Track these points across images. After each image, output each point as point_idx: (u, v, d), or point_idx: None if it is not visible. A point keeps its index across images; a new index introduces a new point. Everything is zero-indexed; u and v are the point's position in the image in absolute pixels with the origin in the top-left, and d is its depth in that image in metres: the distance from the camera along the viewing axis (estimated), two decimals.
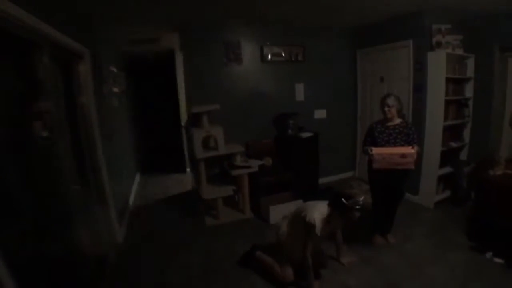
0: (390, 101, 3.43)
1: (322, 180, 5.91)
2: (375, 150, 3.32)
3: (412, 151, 3.25)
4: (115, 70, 5.04)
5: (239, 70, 5.01)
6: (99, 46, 4.09)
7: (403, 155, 3.24)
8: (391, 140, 3.46)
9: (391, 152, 3.29)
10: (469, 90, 4.93)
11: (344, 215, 2.83)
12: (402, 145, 3.41)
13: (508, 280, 3.04)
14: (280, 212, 4.44)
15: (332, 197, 2.94)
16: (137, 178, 6.69)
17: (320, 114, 5.84)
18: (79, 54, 3.26)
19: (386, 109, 3.46)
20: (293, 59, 5.32)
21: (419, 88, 4.68)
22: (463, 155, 5.10)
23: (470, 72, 4.83)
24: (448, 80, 4.44)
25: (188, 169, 6.58)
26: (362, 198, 2.80)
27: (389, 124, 3.51)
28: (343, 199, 2.78)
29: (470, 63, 4.80)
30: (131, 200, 5.46)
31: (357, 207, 2.75)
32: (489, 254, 3.47)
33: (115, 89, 4.99)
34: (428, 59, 4.50)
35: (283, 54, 5.22)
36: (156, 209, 5.26)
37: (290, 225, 3.20)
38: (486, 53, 4.66)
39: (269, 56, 5.13)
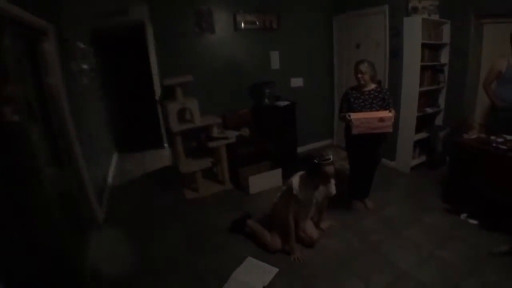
0: (363, 67, 3.39)
1: (301, 149, 5.94)
2: (354, 116, 3.29)
3: (390, 114, 3.25)
4: (83, 46, 4.83)
5: (212, 40, 4.86)
6: (64, 21, 3.87)
7: (381, 119, 3.22)
8: (366, 105, 3.45)
9: (369, 116, 3.27)
10: (444, 56, 4.92)
11: (319, 173, 2.89)
12: (377, 110, 3.40)
13: (482, 240, 3.14)
14: (259, 182, 4.47)
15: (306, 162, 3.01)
16: (115, 156, 6.57)
17: (297, 82, 5.78)
18: (42, 30, 3.05)
19: (359, 75, 3.42)
20: (267, 27, 5.19)
21: (395, 54, 4.67)
22: (439, 121, 5.16)
23: (446, 38, 4.82)
24: (423, 46, 4.42)
25: (166, 144, 6.48)
26: (330, 153, 2.89)
27: (364, 89, 3.49)
28: (313, 159, 2.87)
29: (446, 29, 4.78)
30: (110, 179, 5.36)
31: (327, 161, 2.82)
32: (463, 216, 3.56)
33: (85, 66, 4.78)
34: (404, 24, 4.46)
35: (257, 22, 5.08)
36: (136, 186, 5.18)
37: (281, 195, 3.30)
38: (462, 19, 4.64)
39: (243, 25, 4.98)
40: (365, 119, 3.25)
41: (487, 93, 3.97)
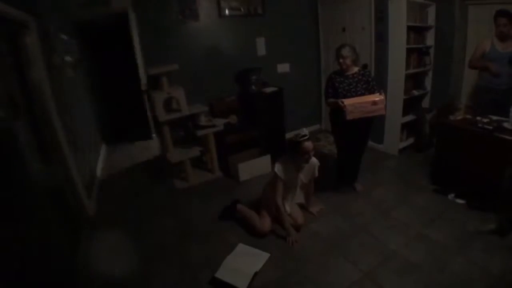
0: (344, 52, 3.38)
1: (290, 135, 5.85)
2: (347, 102, 3.26)
3: (382, 97, 3.26)
4: (66, 37, 4.73)
5: (197, 27, 4.77)
6: (46, 12, 3.77)
7: (374, 103, 3.23)
8: (352, 89, 3.45)
9: (362, 101, 3.26)
10: (430, 39, 4.93)
11: (298, 151, 2.97)
12: (363, 93, 3.40)
13: (468, 218, 3.20)
14: (249, 169, 4.49)
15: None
16: (103, 149, 6.49)
17: (283, 68, 5.74)
18: (23, 23, 2.95)
19: (340, 60, 3.41)
20: (252, 13, 5.12)
21: (381, 37, 4.66)
22: (425, 103, 5.19)
23: (431, 20, 4.83)
24: (409, 28, 4.41)
25: (154, 134, 6.44)
26: (306, 131, 3.00)
27: (348, 73, 3.48)
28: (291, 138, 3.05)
29: (431, 11, 4.78)
30: (99, 172, 5.30)
31: (303, 137, 2.93)
32: (451, 196, 3.62)
33: (68, 58, 4.70)
34: (389, 7, 4.43)
35: (241, 9, 5.01)
36: (125, 177, 5.14)
37: (270, 180, 3.35)
38: (447, 1, 4.65)
39: (227, 11, 4.90)
40: (358, 104, 3.24)
41: (478, 67, 3.97)
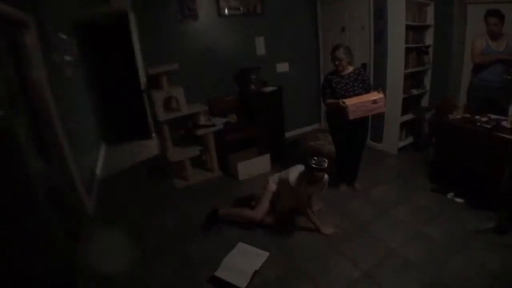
0: (339, 54, 3.39)
1: (289, 134, 5.96)
2: (348, 102, 3.26)
3: (381, 95, 3.28)
4: (65, 37, 4.73)
5: (196, 27, 4.80)
6: (45, 12, 3.76)
7: (374, 101, 3.25)
8: (349, 88, 3.46)
9: (363, 100, 3.27)
10: (429, 38, 4.95)
11: (309, 174, 2.95)
12: (360, 92, 3.42)
13: (467, 217, 3.21)
14: (248, 168, 4.50)
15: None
16: (102, 148, 6.51)
17: (283, 67, 5.75)
18: (22, 23, 2.96)
19: (336, 62, 3.43)
20: (251, 12, 5.14)
21: (380, 37, 4.66)
22: (424, 102, 5.20)
23: (430, 19, 4.84)
24: (408, 27, 4.42)
25: (154, 134, 6.43)
26: (326, 163, 2.88)
27: (343, 73, 3.50)
28: (312, 158, 2.90)
29: (430, 10, 4.80)
30: (98, 171, 5.32)
31: (319, 167, 2.85)
32: (450, 195, 3.62)
33: (68, 58, 4.70)
34: (388, 6, 4.43)
35: (240, 8, 5.02)
36: (125, 177, 5.14)
37: (278, 184, 3.37)
38: (446, 0, 4.65)
39: (226, 10, 4.92)
40: (360, 103, 3.25)
41: (486, 61, 3.91)
